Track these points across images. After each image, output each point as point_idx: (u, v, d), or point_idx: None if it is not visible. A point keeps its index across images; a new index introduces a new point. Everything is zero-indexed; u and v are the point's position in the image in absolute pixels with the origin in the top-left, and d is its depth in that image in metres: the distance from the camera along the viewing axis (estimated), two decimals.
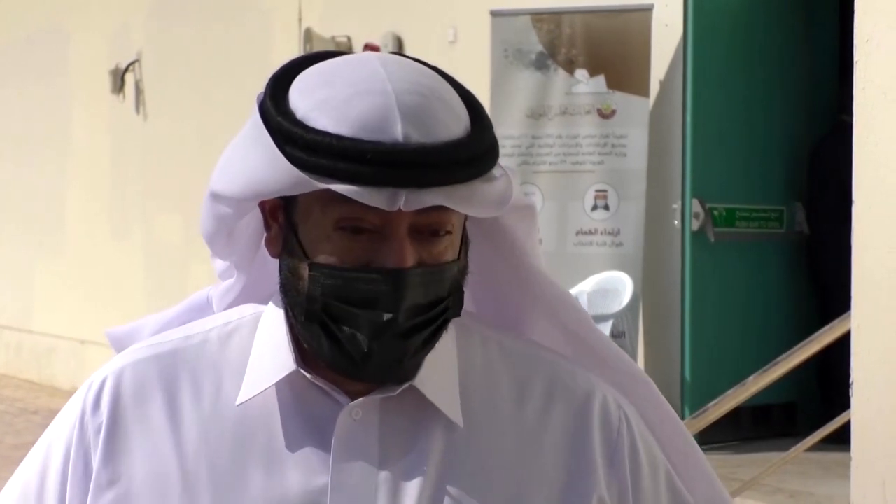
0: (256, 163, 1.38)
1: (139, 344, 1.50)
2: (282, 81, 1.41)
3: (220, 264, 1.58)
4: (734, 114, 6.82)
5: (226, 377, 1.44)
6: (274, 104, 1.38)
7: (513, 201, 1.44)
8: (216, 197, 1.44)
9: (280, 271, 1.42)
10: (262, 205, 1.43)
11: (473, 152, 1.36)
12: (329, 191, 1.33)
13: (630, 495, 1.46)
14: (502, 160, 1.44)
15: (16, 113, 11.49)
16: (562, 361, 1.50)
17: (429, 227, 1.37)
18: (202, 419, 1.42)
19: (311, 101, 1.37)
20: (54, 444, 1.47)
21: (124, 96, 10.20)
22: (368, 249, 1.36)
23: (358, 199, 1.32)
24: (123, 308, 9.65)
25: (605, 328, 6.56)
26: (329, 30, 8.50)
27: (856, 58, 2.99)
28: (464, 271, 1.43)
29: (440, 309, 1.38)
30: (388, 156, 1.32)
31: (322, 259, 1.37)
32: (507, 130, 7.07)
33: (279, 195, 1.39)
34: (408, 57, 1.46)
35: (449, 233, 1.38)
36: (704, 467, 1.60)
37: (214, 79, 9.25)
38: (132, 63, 10.09)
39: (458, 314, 1.41)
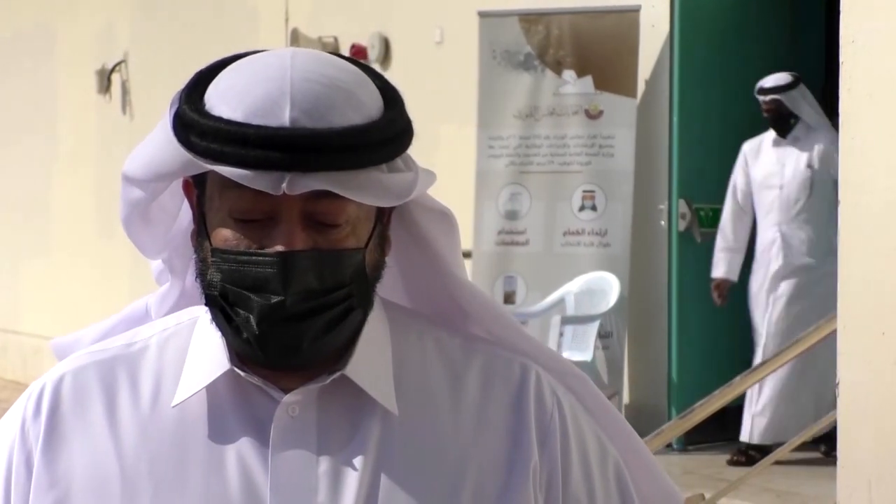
0: (156, 147, 1.42)
1: (80, 351, 1.51)
2: (207, 75, 1.44)
3: (155, 266, 1.60)
4: (720, 115, 6.84)
5: (164, 380, 1.45)
6: (186, 94, 1.41)
7: (424, 202, 1.46)
8: (125, 179, 1.48)
9: (195, 262, 1.44)
10: (189, 198, 1.46)
11: (367, 140, 1.36)
12: (224, 177, 1.35)
13: (559, 480, 1.46)
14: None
15: (2, 112, 11.46)
16: (497, 350, 1.51)
17: (323, 216, 1.37)
18: (141, 421, 1.43)
19: (219, 90, 1.40)
20: None
21: (111, 96, 10.19)
22: (261, 235, 1.37)
23: (242, 182, 1.34)
24: (109, 308, 9.60)
25: (592, 328, 6.56)
26: (316, 30, 8.50)
27: (841, 59, 3.00)
28: (377, 266, 1.43)
29: (340, 295, 1.38)
30: (272, 140, 1.33)
31: (220, 244, 1.39)
32: (495, 131, 7.08)
33: (176, 177, 1.43)
34: (342, 56, 1.47)
35: (345, 223, 1.38)
36: (647, 457, 1.61)
37: None
38: (119, 63, 10.08)
39: (364, 304, 1.41)
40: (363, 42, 8.17)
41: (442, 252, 1.51)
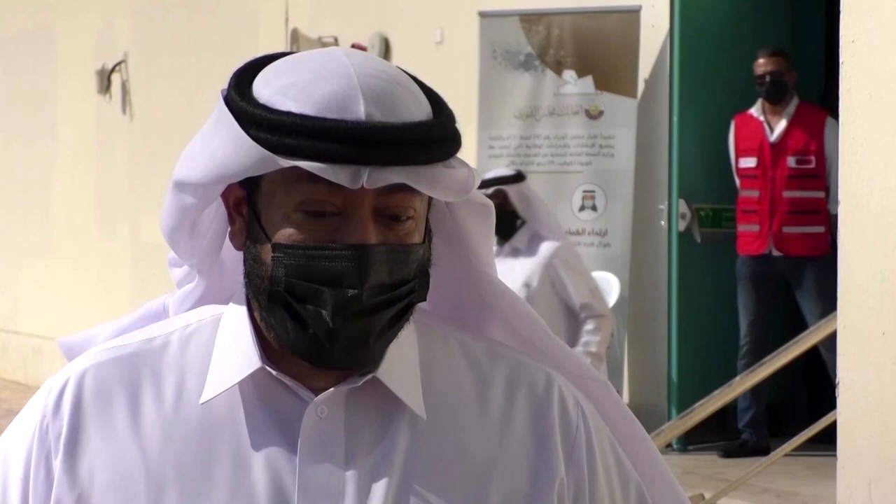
0: (221, 146, 1.38)
1: (99, 346, 1.48)
2: (247, 74, 1.43)
3: (178, 273, 1.57)
4: (721, 114, 6.83)
5: (188, 378, 1.43)
6: (238, 92, 1.40)
7: (473, 195, 1.46)
8: (180, 186, 1.43)
9: (244, 262, 1.42)
10: (226, 199, 1.44)
11: (436, 136, 1.38)
12: (292, 172, 1.35)
13: (586, 491, 1.46)
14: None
15: (2, 112, 11.46)
16: (522, 357, 1.51)
17: (392, 209, 1.38)
18: (165, 420, 1.41)
19: (274, 87, 1.39)
20: (14, 450, 1.45)
21: (111, 96, 10.19)
22: (331, 229, 1.37)
23: (322, 176, 1.33)
24: (110, 308, 9.64)
25: None
26: (316, 30, 8.50)
27: (842, 59, 3.00)
28: (429, 259, 1.44)
29: (406, 290, 1.38)
30: (352, 133, 1.33)
31: (284, 240, 1.37)
32: (496, 131, 7.08)
33: (244, 176, 1.39)
34: None
35: (412, 218, 1.39)
36: (661, 465, 1.61)
37: (200, 79, 9.24)
38: (119, 63, 10.08)
39: (423, 298, 1.42)
40: (363, 42, 8.17)
41: (475, 247, 1.51)
